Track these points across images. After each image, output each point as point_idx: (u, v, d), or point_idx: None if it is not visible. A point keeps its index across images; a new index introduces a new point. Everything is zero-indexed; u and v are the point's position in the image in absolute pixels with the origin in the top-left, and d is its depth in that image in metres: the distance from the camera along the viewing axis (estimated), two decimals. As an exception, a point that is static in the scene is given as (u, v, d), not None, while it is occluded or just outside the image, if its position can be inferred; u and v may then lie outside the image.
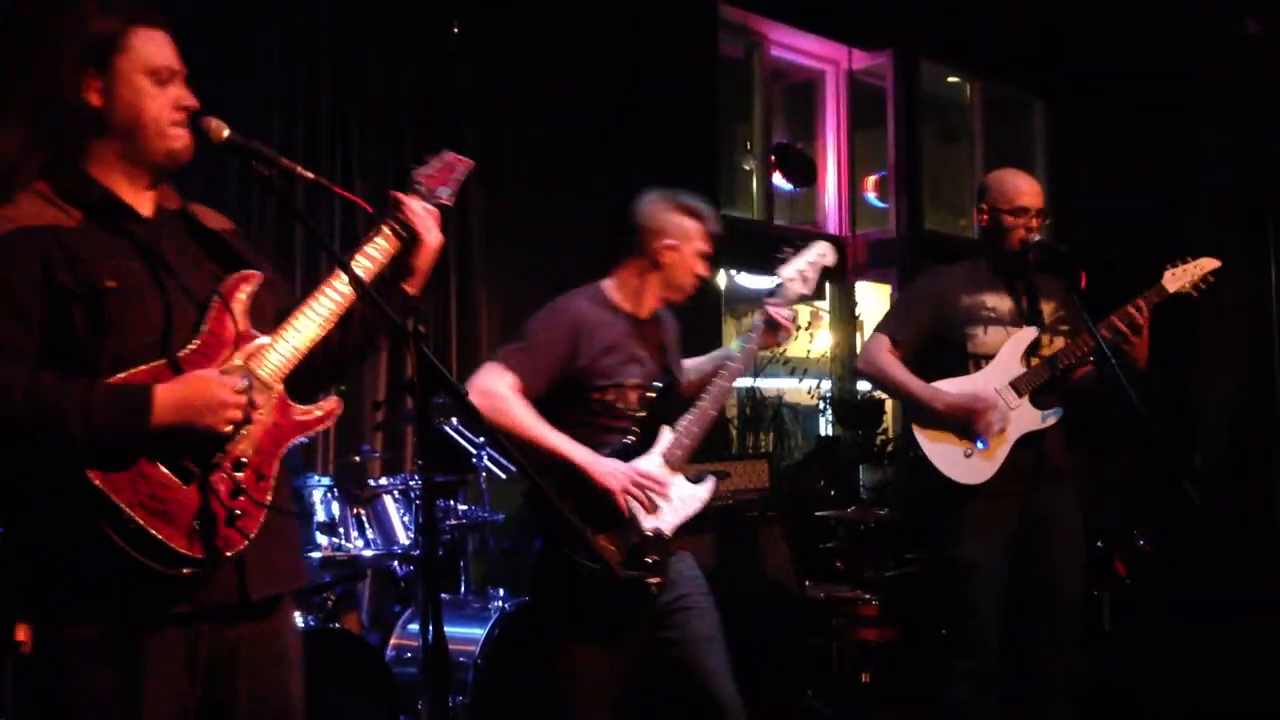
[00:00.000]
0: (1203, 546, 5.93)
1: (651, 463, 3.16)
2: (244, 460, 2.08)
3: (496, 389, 3.08)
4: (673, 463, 3.19)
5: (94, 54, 2.10)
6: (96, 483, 1.94)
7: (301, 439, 2.19)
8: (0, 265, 2.01)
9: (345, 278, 2.18)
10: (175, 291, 2.12)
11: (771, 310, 3.35)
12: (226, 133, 2.13)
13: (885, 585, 5.52)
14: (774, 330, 3.36)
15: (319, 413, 2.20)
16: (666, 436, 3.21)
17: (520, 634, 4.31)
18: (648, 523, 3.11)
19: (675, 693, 3.19)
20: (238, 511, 2.05)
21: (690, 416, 3.23)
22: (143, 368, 2.03)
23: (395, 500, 4.48)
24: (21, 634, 2.02)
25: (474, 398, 2.96)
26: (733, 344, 3.43)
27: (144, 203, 2.19)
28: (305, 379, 2.20)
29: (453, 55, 6.02)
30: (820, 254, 3.44)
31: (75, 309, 2.03)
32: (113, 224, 2.12)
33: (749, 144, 8.18)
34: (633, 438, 3.17)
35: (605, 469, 3.06)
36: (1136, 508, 6.00)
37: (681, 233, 3.28)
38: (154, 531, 1.96)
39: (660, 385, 3.25)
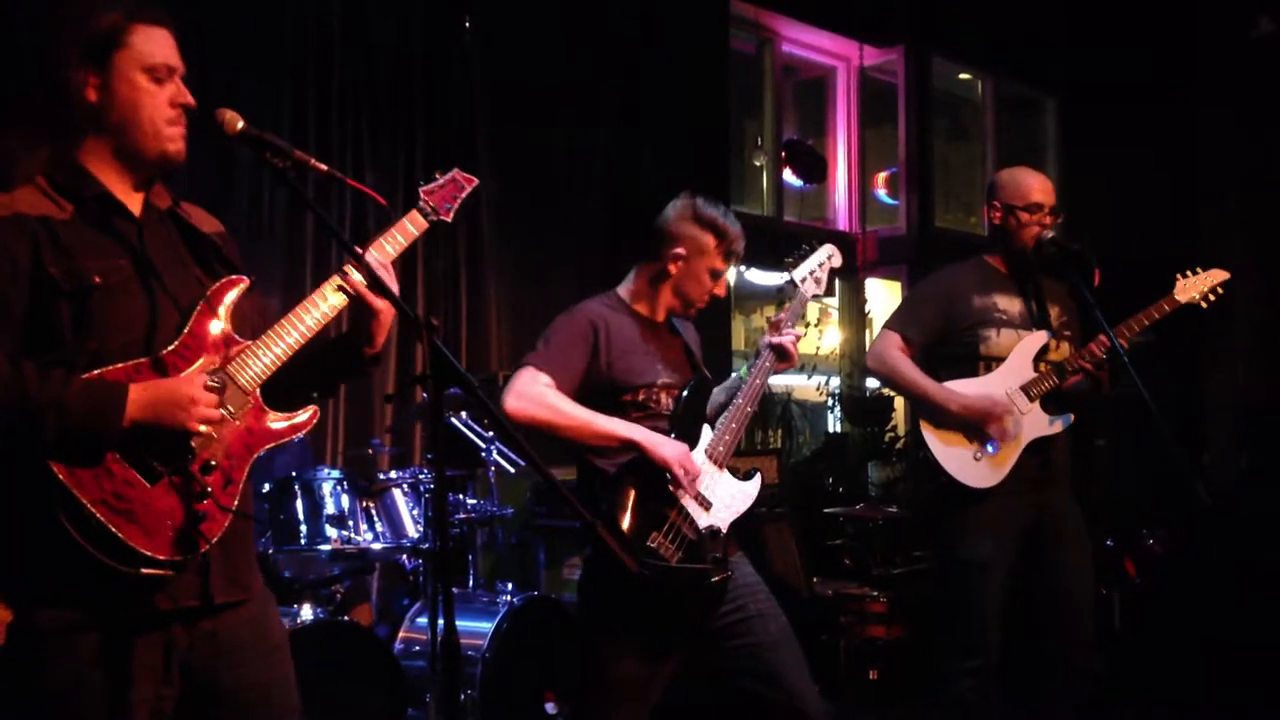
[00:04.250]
0: (1212, 547, 5.91)
1: (696, 459, 3.05)
2: (213, 463, 2.05)
3: (533, 388, 2.96)
4: (716, 459, 3.10)
5: (94, 50, 2.09)
6: (60, 476, 1.92)
7: (273, 446, 2.16)
8: None
9: (329, 292, 2.16)
10: (159, 292, 2.11)
11: (777, 340, 3.20)
12: (241, 124, 2.12)
13: (893, 583, 5.52)
14: (784, 359, 3.22)
15: (294, 422, 2.17)
16: (707, 434, 3.12)
17: (527, 628, 4.33)
18: (702, 520, 3.02)
19: (756, 703, 3.06)
20: (201, 514, 2.02)
21: (728, 414, 3.14)
22: (120, 365, 2.01)
23: (405, 494, 4.48)
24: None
25: (511, 402, 2.90)
26: (740, 370, 3.33)
27: (135, 201, 2.17)
28: (284, 388, 2.18)
29: (464, 51, 6.03)
30: (829, 256, 3.38)
31: (61, 304, 2.01)
32: (104, 220, 2.11)
33: (759, 140, 8.17)
34: (674, 435, 3.05)
35: (660, 440, 2.97)
36: (1146, 508, 5.99)
37: (695, 246, 3.14)
38: (114, 529, 1.93)
39: (692, 383, 3.16)
